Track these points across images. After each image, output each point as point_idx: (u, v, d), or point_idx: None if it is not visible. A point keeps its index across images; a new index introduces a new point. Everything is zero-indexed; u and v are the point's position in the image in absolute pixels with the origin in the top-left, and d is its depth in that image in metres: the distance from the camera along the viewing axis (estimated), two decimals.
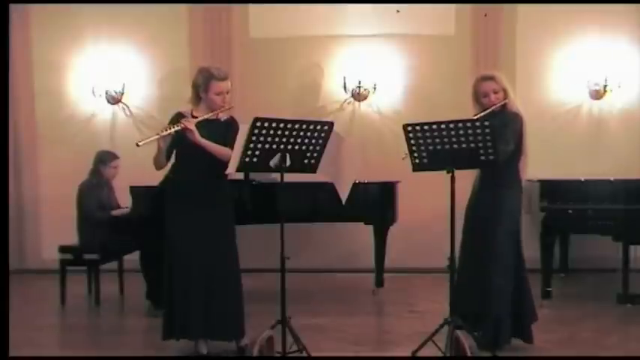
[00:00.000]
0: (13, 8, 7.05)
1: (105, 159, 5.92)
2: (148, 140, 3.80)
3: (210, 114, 3.98)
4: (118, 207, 5.93)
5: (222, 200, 4.13)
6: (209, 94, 3.99)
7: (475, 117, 3.94)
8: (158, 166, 4.05)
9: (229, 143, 3.85)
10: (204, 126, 3.93)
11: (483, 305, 4.06)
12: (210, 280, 4.02)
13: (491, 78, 4.12)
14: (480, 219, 4.11)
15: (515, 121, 4.05)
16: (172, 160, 4.14)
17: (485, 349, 4.00)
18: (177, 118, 4.02)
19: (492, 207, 4.09)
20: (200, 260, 4.01)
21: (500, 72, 4.32)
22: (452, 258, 3.89)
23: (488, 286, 4.05)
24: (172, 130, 3.85)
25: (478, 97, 4.14)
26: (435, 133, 3.73)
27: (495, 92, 4.08)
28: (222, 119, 4.06)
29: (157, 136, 3.82)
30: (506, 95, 4.11)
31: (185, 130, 3.85)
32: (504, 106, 4.10)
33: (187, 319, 3.99)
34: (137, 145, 3.75)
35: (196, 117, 3.99)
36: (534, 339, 4.23)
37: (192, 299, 4.00)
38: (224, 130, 3.98)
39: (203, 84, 4.00)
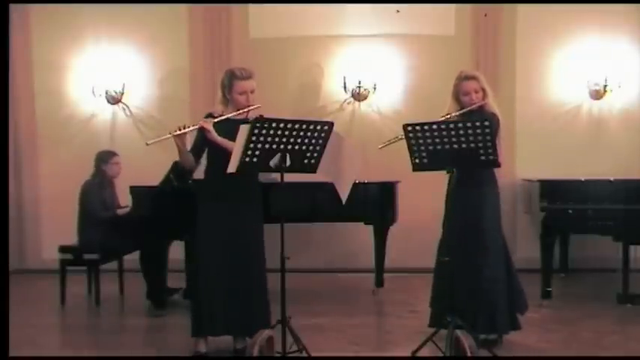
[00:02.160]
0: (13, 8, 7.05)
1: (105, 158, 5.93)
2: (157, 140, 3.82)
3: (233, 113, 4.02)
4: (119, 206, 5.94)
5: (252, 199, 4.15)
6: (233, 94, 4.05)
7: (453, 115, 4.08)
8: (185, 164, 4.13)
9: None
10: (230, 126, 3.94)
11: (480, 301, 4.11)
12: (237, 278, 4.03)
13: (473, 77, 4.22)
14: (464, 219, 4.13)
15: (492, 121, 4.08)
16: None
17: (484, 346, 4.00)
18: (206, 118, 4.06)
19: (476, 207, 4.16)
20: (230, 258, 4.03)
21: (480, 72, 4.44)
22: (451, 259, 3.92)
23: (481, 282, 4.11)
24: (187, 130, 3.89)
25: (458, 95, 4.22)
26: (435, 133, 3.74)
27: (476, 92, 4.18)
28: (250, 118, 4.03)
29: (168, 136, 3.86)
30: (485, 95, 4.20)
31: (202, 129, 3.90)
32: (482, 106, 4.18)
33: (215, 315, 4.01)
34: (147, 144, 3.76)
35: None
36: (534, 339, 4.32)
37: (221, 296, 4.01)
38: None
39: (227, 84, 4.06)
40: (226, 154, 3.86)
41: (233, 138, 3.87)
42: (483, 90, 4.20)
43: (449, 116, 4.07)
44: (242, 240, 4.06)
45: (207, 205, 4.11)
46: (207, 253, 4.06)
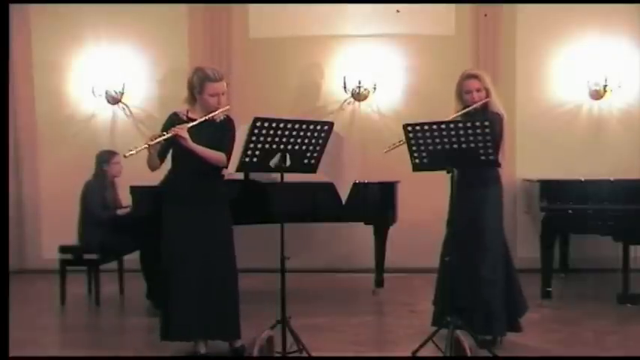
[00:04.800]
0: (13, 8, 7.05)
1: (105, 158, 5.93)
2: (135, 151, 3.72)
3: (205, 117, 3.93)
4: (121, 206, 5.94)
5: (218, 200, 4.11)
6: (204, 96, 3.97)
7: (456, 114, 4.09)
8: (152, 167, 4.03)
9: (224, 144, 3.86)
10: (199, 127, 3.90)
11: (476, 300, 4.11)
12: (209, 280, 4.01)
13: (475, 76, 4.22)
14: (467, 219, 4.12)
15: (494, 120, 4.08)
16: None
17: (483, 346, 4.00)
18: (172, 118, 4.02)
19: (478, 206, 4.15)
20: (198, 261, 3.99)
21: (485, 72, 4.42)
22: (451, 259, 3.93)
23: (479, 281, 4.11)
24: (162, 138, 3.81)
25: (461, 93, 4.23)
26: (435, 133, 3.74)
27: (478, 91, 4.18)
28: (217, 120, 4.03)
29: (145, 146, 3.77)
30: (488, 94, 4.20)
31: (177, 137, 3.82)
32: (486, 105, 4.18)
33: (187, 320, 3.98)
34: (124, 156, 3.71)
35: (192, 117, 3.97)
36: (534, 339, 4.31)
37: (191, 300, 3.98)
38: (219, 131, 3.98)
39: (198, 85, 3.97)
40: (195, 156, 3.85)
41: (200, 139, 3.86)
42: (486, 89, 4.19)
43: (453, 116, 4.06)
44: (209, 242, 4.00)
45: (172, 208, 4.05)
46: (177, 255, 3.99)
